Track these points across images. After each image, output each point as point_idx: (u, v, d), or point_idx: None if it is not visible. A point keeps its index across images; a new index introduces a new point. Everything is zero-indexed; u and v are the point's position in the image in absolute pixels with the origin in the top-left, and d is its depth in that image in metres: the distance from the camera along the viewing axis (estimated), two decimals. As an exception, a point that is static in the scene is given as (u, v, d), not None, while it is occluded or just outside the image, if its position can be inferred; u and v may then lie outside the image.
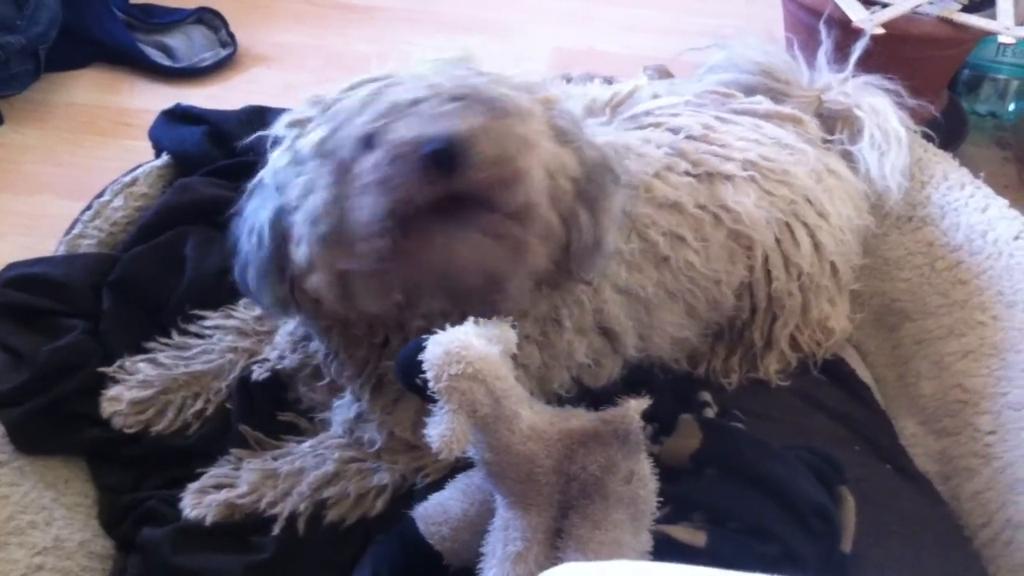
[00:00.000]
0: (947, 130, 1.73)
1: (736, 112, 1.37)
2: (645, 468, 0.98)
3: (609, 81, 1.54)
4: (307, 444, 1.21)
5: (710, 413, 1.27)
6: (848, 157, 1.43)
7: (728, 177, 1.26)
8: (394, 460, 1.16)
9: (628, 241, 1.19)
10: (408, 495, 1.16)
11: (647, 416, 0.96)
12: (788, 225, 1.29)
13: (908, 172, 1.44)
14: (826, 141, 1.43)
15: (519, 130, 0.95)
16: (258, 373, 1.28)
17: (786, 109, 1.41)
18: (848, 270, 1.38)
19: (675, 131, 1.29)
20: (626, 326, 1.23)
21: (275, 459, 1.19)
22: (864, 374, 1.46)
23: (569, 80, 1.71)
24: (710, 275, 1.26)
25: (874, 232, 1.44)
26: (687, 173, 1.25)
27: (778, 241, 1.28)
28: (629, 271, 1.20)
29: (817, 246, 1.31)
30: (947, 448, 1.34)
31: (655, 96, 1.36)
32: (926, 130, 1.54)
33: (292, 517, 1.14)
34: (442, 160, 0.87)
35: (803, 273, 1.30)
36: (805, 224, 1.30)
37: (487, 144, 0.89)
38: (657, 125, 1.30)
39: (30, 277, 1.33)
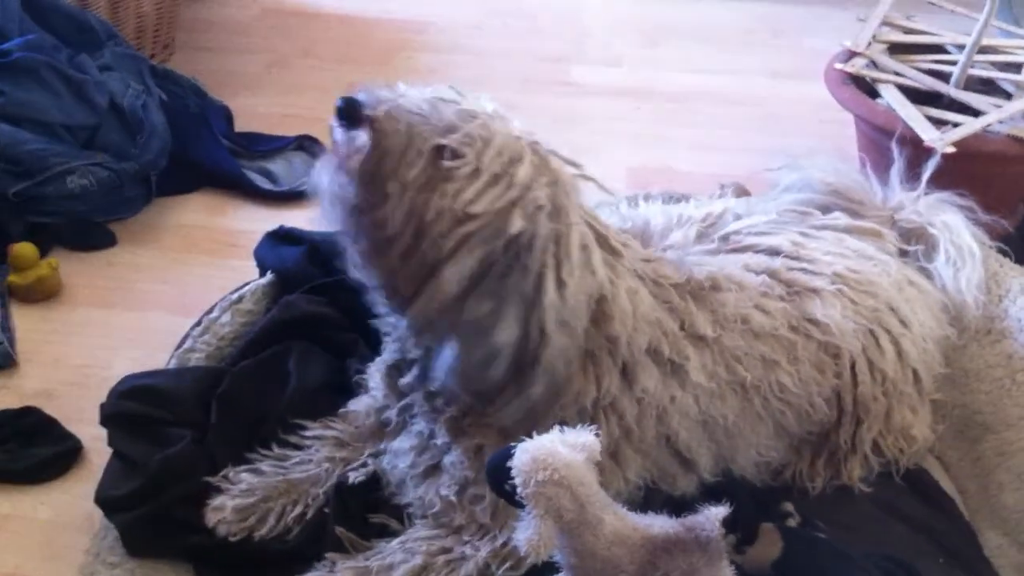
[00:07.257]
0: (1022, 245, 1.74)
1: (817, 228, 1.42)
2: None
3: (681, 199, 1.58)
4: (396, 541, 1.25)
5: (792, 523, 1.29)
6: (924, 273, 1.46)
7: (817, 291, 1.30)
8: (476, 546, 1.20)
9: (712, 379, 1.23)
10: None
11: (729, 525, 0.99)
12: (872, 333, 1.32)
13: (984, 286, 1.47)
14: (902, 254, 1.46)
15: (412, 144, 1.05)
16: (354, 477, 1.34)
17: (865, 223, 1.45)
18: (930, 379, 1.40)
19: (769, 252, 1.34)
20: (699, 452, 1.26)
21: (367, 559, 1.24)
22: (948, 486, 1.46)
23: (648, 198, 1.75)
24: (802, 393, 1.29)
25: (954, 344, 1.46)
26: (781, 298, 1.29)
27: (863, 348, 1.31)
28: (710, 399, 1.24)
29: (900, 353, 1.34)
30: (1033, 561, 1.33)
31: (737, 216, 1.42)
32: (1001, 245, 1.56)
33: None
34: (340, 110, 1.07)
35: (887, 379, 1.33)
36: (889, 332, 1.33)
37: (381, 118, 1.05)
38: (751, 247, 1.35)
39: (143, 388, 1.41)
